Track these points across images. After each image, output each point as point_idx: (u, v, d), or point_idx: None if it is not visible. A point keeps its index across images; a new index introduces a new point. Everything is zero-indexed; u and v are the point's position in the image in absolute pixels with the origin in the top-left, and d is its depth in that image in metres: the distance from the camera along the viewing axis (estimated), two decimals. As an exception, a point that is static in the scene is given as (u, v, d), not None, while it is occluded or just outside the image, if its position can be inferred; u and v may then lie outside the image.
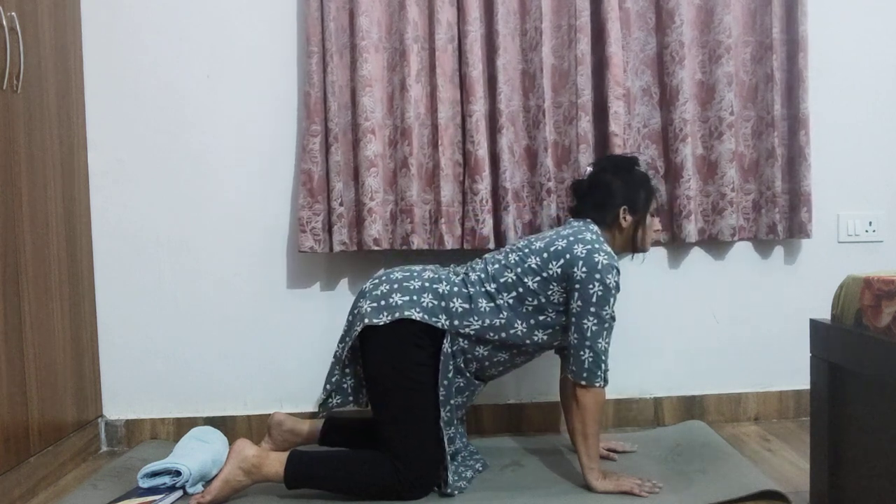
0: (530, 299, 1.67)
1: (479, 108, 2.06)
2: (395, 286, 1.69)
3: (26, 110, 1.79)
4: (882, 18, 2.24)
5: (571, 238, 1.68)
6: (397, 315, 1.64)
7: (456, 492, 1.68)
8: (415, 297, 1.67)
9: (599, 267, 1.63)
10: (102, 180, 2.15)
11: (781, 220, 2.16)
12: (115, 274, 2.17)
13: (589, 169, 1.86)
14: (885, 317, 1.27)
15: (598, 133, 2.14)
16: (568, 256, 1.65)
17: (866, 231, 2.26)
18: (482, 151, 2.06)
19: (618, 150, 2.07)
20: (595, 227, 1.74)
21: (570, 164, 2.12)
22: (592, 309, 1.62)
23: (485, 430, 2.21)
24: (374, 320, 1.64)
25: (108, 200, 2.16)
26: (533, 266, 1.68)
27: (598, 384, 1.63)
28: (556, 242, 1.69)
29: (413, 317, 1.63)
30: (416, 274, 1.73)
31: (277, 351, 2.20)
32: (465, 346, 1.68)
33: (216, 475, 1.64)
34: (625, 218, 1.78)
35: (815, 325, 1.47)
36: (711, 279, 2.25)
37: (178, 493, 1.71)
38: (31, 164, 1.81)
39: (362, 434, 1.81)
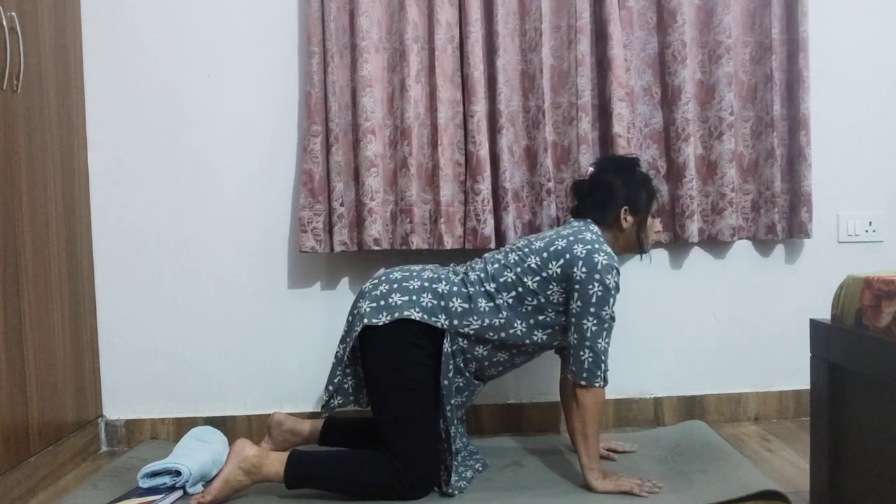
0: (530, 299, 1.67)
1: (479, 108, 2.06)
2: (395, 286, 1.69)
3: (26, 110, 1.79)
4: (882, 18, 2.24)
5: (571, 238, 1.68)
6: (397, 315, 1.64)
7: (456, 492, 1.68)
8: (414, 297, 1.67)
9: (599, 267, 1.63)
10: (102, 180, 2.15)
11: (780, 220, 2.16)
12: (115, 274, 2.17)
13: (590, 169, 1.86)
14: (885, 317, 1.27)
15: (602, 134, 2.14)
16: (568, 256, 1.65)
17: (866, 231, 2.26)
18: (483, 152, 2.07)
19: (621, 151, 2.07)
20: (595, 228, 1.74)
21: (570, 164, 2.12)
22: (592, 309, 1.62)
23: (485, 430, 2.21)
24: (374, 320, 1.64)
25: (108, 200, 2.16)
26: (532, 266, 1.67)
27: (597, 384, 1.63)
28: (556, 242, 1.69)
29: (412, 316, 1.63)
30: (415, 274, 1.73)
31: (277, 351, 2.20)
32: (465, 346, 1.68)
33: (216, 475, 1.64)
34: (626, 218, 1.77)
35: (815, 325, 1.47)
36: (711, 279, 2.25)
37: (178, 493, 1.71)
38: (31, 164, 1.81)
39: (362, 434, 1.81)
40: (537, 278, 1.66)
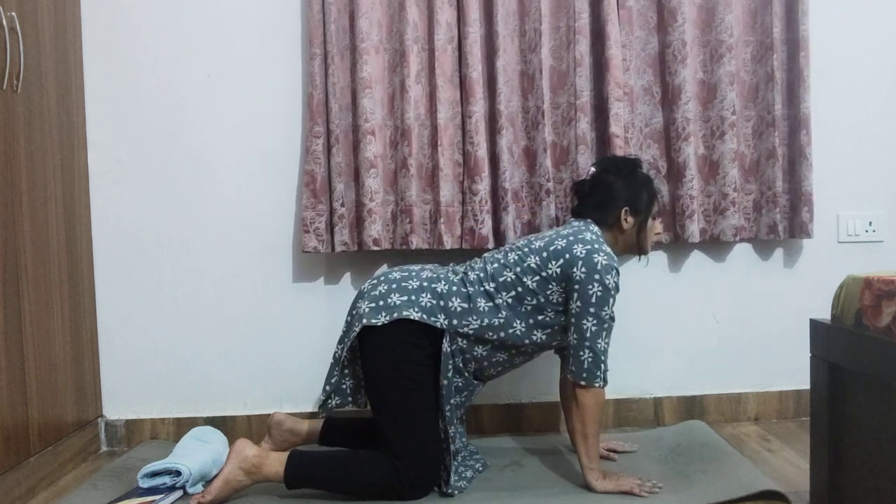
0: (529, 299, 1.67)
1: (478, 108, 2.06)
2: (394, 286, 1.69)
3: (26, 110, 1.79)
4: (882, 18, 2.24)
5: (571, 238, 1.68)
6: (395, 315, 1.64)
7: (456, 492, 1.68)
8: (413, 297, 1.67)
9: (599, 267, 1.63)
10: (102, 180, 2.15)
11: (782, 220, 2.16)
12: (115, 274, 2.17)
13: (592, 169, 1.86)
14: (885, 317, 1.27)
15: (601, 134, 2.14)
16: (567, 256, 1.65)
17: (866, 231, 2.26)
18: (482, 152, 2.07)
19: (619, 151, 2.07)
20: (595, 228, 1.74)
21: (569, 164, 2.12)
22: (592, 309, 1.62)
23: (485, 430, 2.21)
24: (373, 320, 1.64)
25: (108, 200, 2.16)
26: (532, 265, 1.67)
27: (597, 384, 1.63)
28: (556, 242, 1.69)
29: (411, 316, 1.63)
30: (414, 274, 1.73)
31: (277, 351, 2.20)
32: (464, 346, 1.68)
33: (216, 475, 1.64)
34: (626, 219, 1.77)
35: (815, 325, 1.47)
36: (711, 279, 2.25)
37: (178, 493, 1.71)
38: (31, 164, 1.81)
39: (362, 434, 1.81)
40: (537, 278, 1.66)
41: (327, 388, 1.74)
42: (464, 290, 1.69)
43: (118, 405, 2.19)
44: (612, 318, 1.66)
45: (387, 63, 2.11)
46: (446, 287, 1.69)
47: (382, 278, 1.74)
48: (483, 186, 2.06)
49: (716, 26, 2.12)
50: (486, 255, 1.80)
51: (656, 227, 1.86)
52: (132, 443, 2.17)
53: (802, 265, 2.26)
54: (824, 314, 1.49)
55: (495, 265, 1.72)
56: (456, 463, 1.72)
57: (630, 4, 2.13)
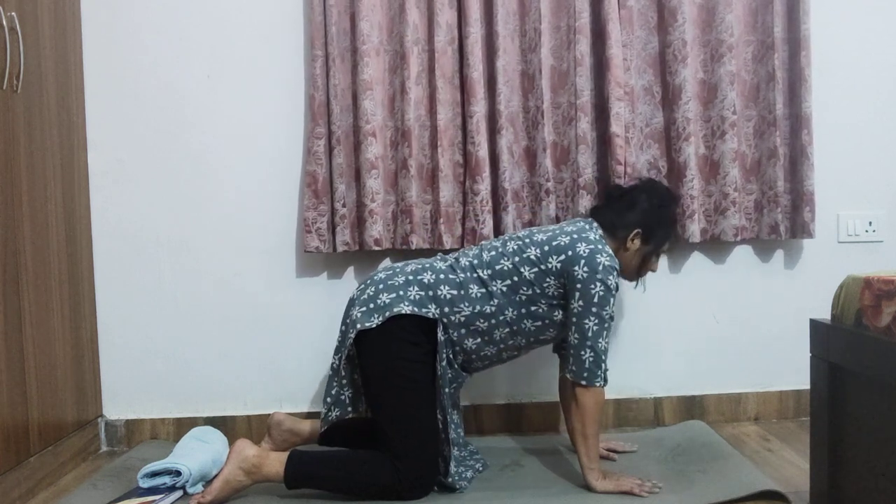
0: (525, 289, 1.67)
1: (479, 108, 2.06)
2: (381, 286, 1.70)
3: (26, 110, 1.79)
4: (883, 18, 2.24)
5: (575, 236, 1.68)
6: (388, 314, 1.64)
7: (457, 483, 1.68)
8: (401, 293, 1.67)
9: (601, 268, 1.63)
10: (102, 180, 2.15)
11: (784, 220, 2.16)
12: (115, 274, 2.17)
13: (632, 183, 1.84)
14: (885, 317, 1.27)
15: (601, 134, 2.14)
16: (570, 253, 1.65)
17: (866, 231, 2.26)
18: (483, 152, 2.07)
19: (620, 151, 2.07)
20: (598, 229, 1.74)
21: (569, 164, 2.12)
22: (594, 309, 1.62)
23: (485, 430, 2.21)
24: (367, 324, 1.64)
25: (108, 200, 2.16)
26: (531, 257, 1.67)
27: (598, 384, 1.63)
28: (559, 238, 1.69)
29: (403, 311, 1.63)
30: (398, 270, 1.74)
31: (277, 351, 2.20)
32: (455, 339, 1.68)
33: (216, 475, 1.65)
34: (633, 241, 1.76)
35: (815, 325, 1.47)
36: (711, 279, 2.25)
37: (178, 493, 1.71)
38: (31, 164, 1.81)
39: (362, 434, 1.80)
40: (535, 270, 1.66)
41: (328, 399, 1.73)
42: (452, 276, 1.69)
43: (118, 405, 2.19)
44: (612, 318, 1.66)
45: (387, 65, 2.11)
46: (433, 276, 1.69)
47: (369, 281, 1.74)
48: (484, 186, 2.06)
49: (716, 26, 2.12)
50: (482, 243, 1.80)
51: (656, 263, 1.86)
52: (132, 443, 2.17)
53: (802, 265, 2.26)
54: (824, 314, 1.49)
55: (492, 253, 1.72)
56: (455, 452, 1.72)
57: (630, 4, 2.13)
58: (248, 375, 2.20)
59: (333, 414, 1.73)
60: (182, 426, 2.13)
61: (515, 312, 1.68)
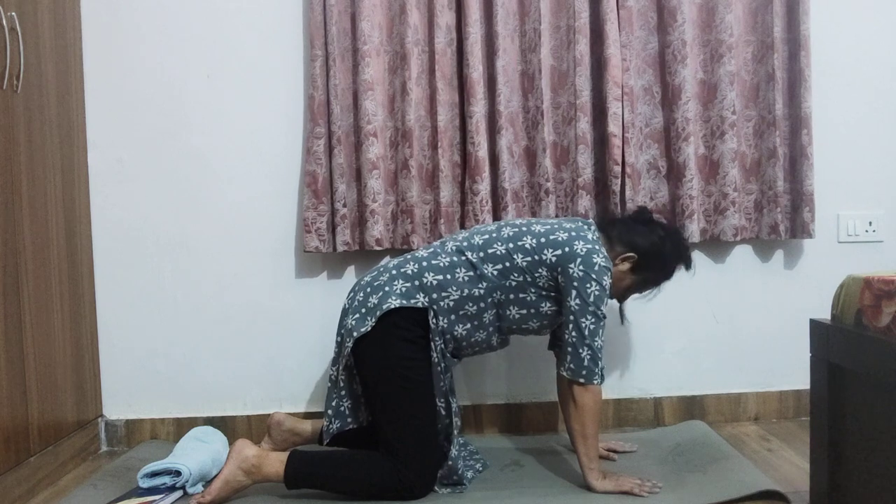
0: (515, 275, 1.67)
1: (479, 109, 2.06)
2: (369, 289, 1.70)
3: (26, 110, 1.79)
4: (883, 18, 2.24)
5: (574, 233, 1.69)
6: (379, 313, 1.64)
7: (459, 470, 1.68)
8: (387, 289, 1.67)
9: (597, 268, 1.63)
10: (102, 180, 2.15)
11: (783, 220, 2.16)
12: (115, 274, 2.17)
13: (661, 218, 1.81)
14: (885, 317, 1.27)
15: (600, 134, 2.14)
16: (567, 249, 1.65)
17: (866, 231, 2.26)
18: (483, 152, 2.07)
19: (618, 151, 2.07)
20: (596, 232, 1.74)
21: (569, 164, 2.12)
22: (591, 308, 1.62)
23: (485, 430, 2.21)
24: (362, 329, 1.64)
25: (108, 200, 2.16)
26: (527, 246, 1.68)
27: (595, 381, 1.64)
28: (557, 232, 1.69)
29: (392, 305, 1.64)
30: (382, 268, 1.75)
31: (277, 351, 2.20)
32: (445, 326, 1.68)
33: (216, 475, 1.64)
34: (623, 262, 1.75)
35: (815, 325, 1.47)
36: (711, 279, 2.25)
37: (178, 494, 1.71)
38: (31, 164, 1.81)
39: (362, 434, 1.80)
40: (528, 258, 1.67)
41: (328, 412, 1.73)
42: (435, 262, 1.69)
43: (118, 405, 2.19)
44: (605, 317, 1.67)
45: (387, 65, 2.11)
46: (416, 266, 1.70)
47: (357, 287, 1.75)
48: (484, 186, 2.07)
49: (716, 26, 2.12)
50: (473, 227, 1.81)
51: (632, 296, 1.87)
52: (132, 443, 2.17)
53: (802, 265, 2.26)
54: (824, 314, 1.49)
55: (485, 236, 1.72)
56: (454, 433, 1.71)
57: (630, 4, 2.13)
58: (248, 375, 2.20)
59: (334, 427, 1.73)
60: (182, 426, 2.13)
61: (503, 296, 1.68)
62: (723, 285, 2.25)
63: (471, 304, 1.67)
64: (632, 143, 2.15)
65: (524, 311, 1.70)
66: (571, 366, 1.64)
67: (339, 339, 1.73)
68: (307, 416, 2.15)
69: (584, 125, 2.09)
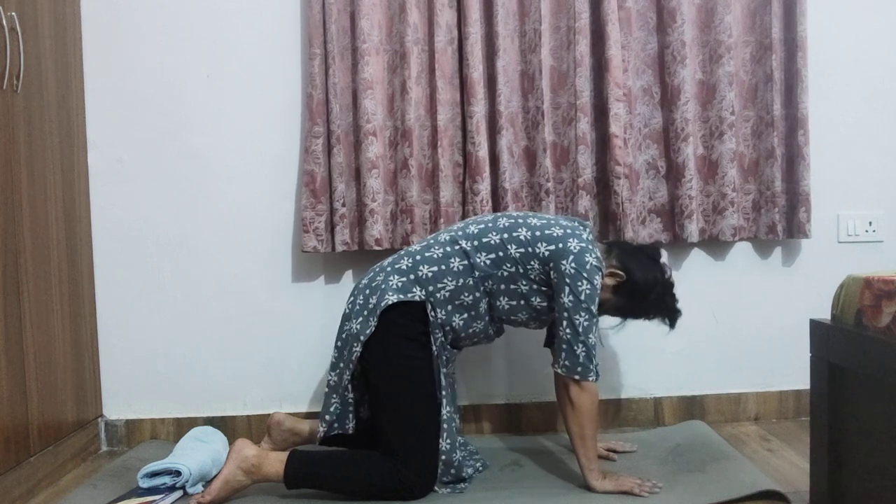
0: (508, 265, 1.67)
1: (479, 109, 2.06)
2: (367, 291, 1.70)
3: (26, 110, 1.79)
4: (881, 19, 2.24)
5: (569, 231, 1.69)
6: (378, 312, 1.64)
7: (465, 474, 1.69)
8: (383, 287, 1.68)
9: (588, 266, 1.64)
10: (102, 180, 2.15)
11: (781, 220, 2.16)
12: (115, 274, 2.17)
13: (669, 268, 1.80)
14: (885, 317, 1.27)
15: (600, 134, 2.14)
16: (560, 246, 1.66)
17: (866, 231, 2.26)
18: (483, 152, 2.07)
19: (618, 151, 2.07)
20: (591, 234, 1.76)
21: (569, 164, 2.12)
22: (584, 305, 1.63)
23: (485, 430, 2.21)
24: (367, 332, 1.64)
25: (108, 200, 2.16)
26: (521, 238, 1.68)
27: (591, 378, 1.64)
28: (553, 228, 1.70)
29: (389, 302, 1.64)
30: (377, 269, 1.75)
31: (277, 351, 2.20)
32: (443, 318, 1.68)
33: (216, 475, 1.64)
34: (610, 276, 1.73)
35: (815, 325, 1.47)
36: (711, 279, 2.25)
37: (178, 493, 1.71)
38: (31, 164, 1.81)
39: (362, 434, 1.80)
40: (522, 250, 1.67)
41: (326, 417, 1.73)
42: (429, 254, 1.70)
43: (118, 405, 2.19)
44: (597, 315, 1.67)
45: (387, 64, 2.11)
46: (409, 261, 1.70)
47: (356, 291, 1.75)
48: (484, 186, 2.07)
49: (715, 27, 2.13)
50: (468, 219, 1.82)
51: (608, 320, 1.85)
52: (132, 443, 2.16)
53: (802, 265, 2.26)
54: (824, 314, 1.49)
55: (481, 226, 1.73)
56: (455, 420, 1.71)
57: (629, 5, 2.13)
58: (248, 375, 2.20)
59: (334, 431, 1.73)
60: (182, 426, 2.13)
61: (494, 286, 1.69)
62: (723, 285, 2.25)
63: (466, 294, 1.68)
64: (631, 144, 2.15)
65: (514, 303, 1.70)
66: (566, 362, 1.65)
67: (339, 344, 1.73)
68: (307, 416, 2.15)
69: (585, 126, 2.09)
